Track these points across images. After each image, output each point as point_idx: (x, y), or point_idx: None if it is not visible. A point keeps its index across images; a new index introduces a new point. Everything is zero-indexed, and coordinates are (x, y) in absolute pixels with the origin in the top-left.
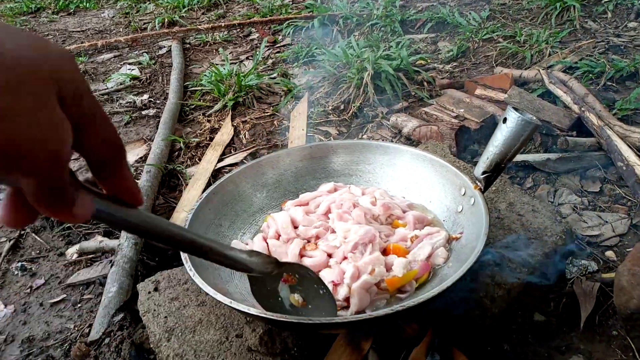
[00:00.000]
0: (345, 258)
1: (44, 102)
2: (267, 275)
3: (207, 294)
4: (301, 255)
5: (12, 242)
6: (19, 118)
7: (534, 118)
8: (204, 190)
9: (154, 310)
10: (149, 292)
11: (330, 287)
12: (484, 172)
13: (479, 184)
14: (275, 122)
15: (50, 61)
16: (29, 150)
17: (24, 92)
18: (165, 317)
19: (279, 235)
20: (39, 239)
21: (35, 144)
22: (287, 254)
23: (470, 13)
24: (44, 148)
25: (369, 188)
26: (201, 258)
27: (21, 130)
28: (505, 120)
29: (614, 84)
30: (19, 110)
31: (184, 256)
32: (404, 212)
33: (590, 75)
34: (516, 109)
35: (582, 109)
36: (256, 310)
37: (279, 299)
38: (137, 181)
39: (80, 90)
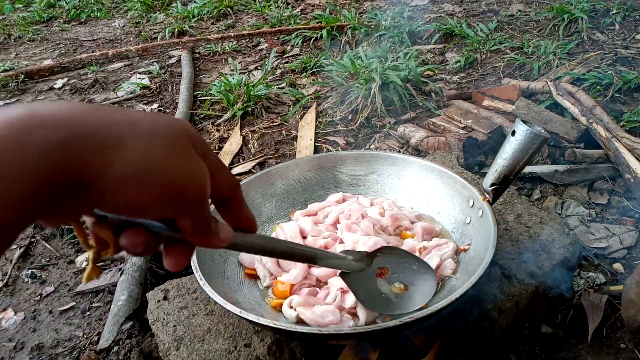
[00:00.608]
0: None
1: (189, 153)
2: (362, 270)
3: (216, 303)
4: (309, 265)
5: (22, 249)
6: (175, 166)
7: (543, 131)
8: None
9: (163, 319)
10: (159, 301)
11: (339, 294)
12: (492, 184)
13: (487, 195)
14: (283, 132)
15: (183, 126)
16: (187, 188)
17: (175, 146)
18: (175, 325)
19: None
20: (48, 246)
21: (190, 183)
22: (296, 264)
23: (478, 24)
24: (195, 185)
25: (378, 199)
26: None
27: (179, 174)
28: (514, 132)
29: (621, 96)
30: (174, 161)
31: (194, 265)
32: (413, 223)
33: (598, 87)
34: (525, 122)
35: (590, 120)
36: (265, 319)
37: (383, 295)
38: None
39: (205, 147)
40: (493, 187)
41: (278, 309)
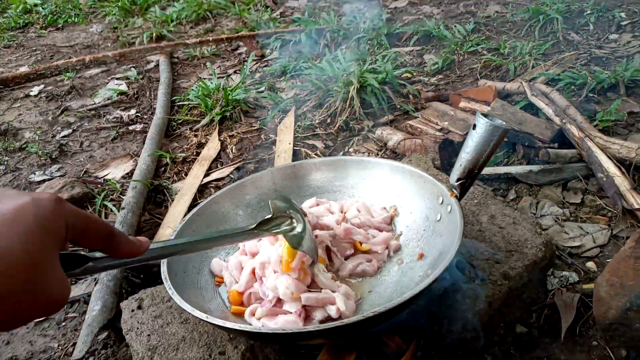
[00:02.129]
0: None
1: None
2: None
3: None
4: (254, 275)
5: None
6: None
7: (504, 123)
8: (190, 206)
9: (137, 328)
10: (133, 310)
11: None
12: (458, 179)
13: (454, 191)
14: (262, 136)
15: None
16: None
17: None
18: (149, 335)
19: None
20: None
21: (57, 297)
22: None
23: (455, 26)
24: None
25: (347, 202)
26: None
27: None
28: (474, 126)
29: (595, 95)
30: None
31: (164, 276)
32: (378, 229)
33: (572, 87)
34: (485, 115)
35: (564, 120)
36: (230, 322)
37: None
38: (123, 197)
39: (68, 216)
40: (459, 182)
41: (238, 314)
